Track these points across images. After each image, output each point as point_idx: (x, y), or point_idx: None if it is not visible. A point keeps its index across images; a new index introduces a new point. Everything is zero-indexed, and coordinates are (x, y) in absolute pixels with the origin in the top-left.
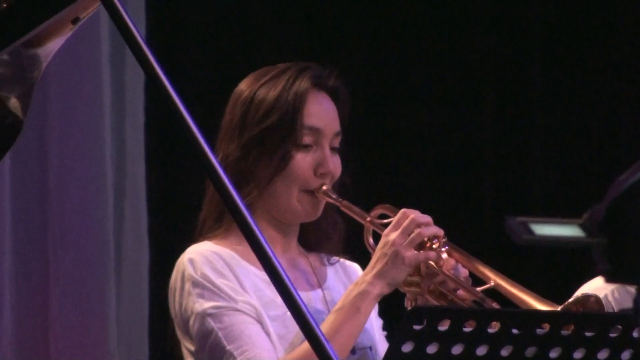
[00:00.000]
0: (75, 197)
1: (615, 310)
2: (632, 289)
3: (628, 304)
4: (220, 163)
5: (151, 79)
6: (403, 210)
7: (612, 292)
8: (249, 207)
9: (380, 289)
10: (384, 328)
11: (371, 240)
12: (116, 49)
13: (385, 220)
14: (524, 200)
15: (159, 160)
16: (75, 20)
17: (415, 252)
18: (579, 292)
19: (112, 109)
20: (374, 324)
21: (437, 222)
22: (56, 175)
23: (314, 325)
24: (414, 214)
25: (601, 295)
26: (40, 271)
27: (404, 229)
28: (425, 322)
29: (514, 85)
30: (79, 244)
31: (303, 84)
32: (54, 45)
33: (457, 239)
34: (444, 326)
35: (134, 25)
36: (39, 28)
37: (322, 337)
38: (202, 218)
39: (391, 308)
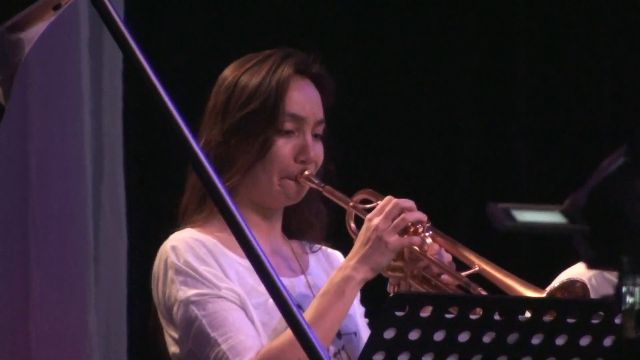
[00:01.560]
0: (55, 184)
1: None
2: (610, 276)
3: (606, 291)
4: (203, 148)
5: (132, 64)
6: (389, 197)
7: (590, 280)
8: (230, 192)
9: (364, 273)
10: (366, 315)
11: (353, 225)
12: (94, 36)
13: (368, 206)
14: (506, 186)
15: (137, 147)
16: (56, 7)
17: (399, 237)
18: (559, 279)
19: (90, 96)
20: (357, 310)
21: (419, 208)
22: (36, 163)
23: (295, 312)
24: (398, 200)
25: (574, 278)
26: (21, 259)
27: (388, 214)
28: (407, 308)
29: (497, 71)
30: (59, 231)
31: (286, 70)
32: (36, 30)
33: (439, 225)
34: (425, 312)
35: (115, 11)
36: (22, 13)
37: (303, 323)
38: (184, 203)
39: (373, 294)
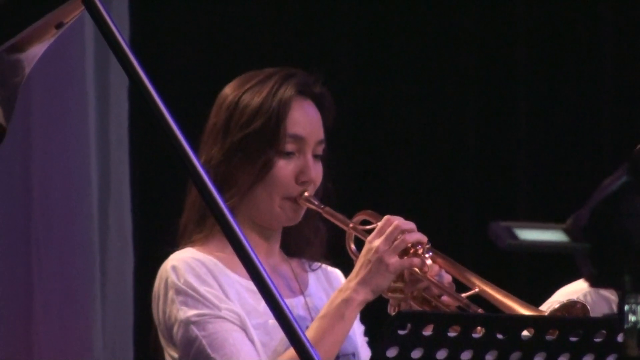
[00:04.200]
0: (59, 201)
1: None
2: (606, 293)
3: (601, 308)
4: (203, 167)
5: (134, 83)
6: (387, 216)
7: (585, 296)
8: (230, 211)
9: (364, 295)
10: (366, 334)
11: (353, 247)
12: (100, 53)
13: (368, 227)
14: (508, 205)
15: (143, 164)
16: (59, 26)
17: (399, 258)
18: (554, 298)
19: (96, 113)
20: (356, 329)
21: (420, 228)
22: (40, 179)
23: (299, 331)
24: (397, 221)
25: (574, 299)
26: (24, 275)
27: (388, 236)
28: (409, 327)
29: (498, 90)
30: (63, 248)
31: (288, 90)
32: (37, 50)
33: (441, 244)
34: (428, 331)
35: (118, 29)
36: (22, 33)
37: (307, 343)
38: (183, 222)
39: (373, 314)
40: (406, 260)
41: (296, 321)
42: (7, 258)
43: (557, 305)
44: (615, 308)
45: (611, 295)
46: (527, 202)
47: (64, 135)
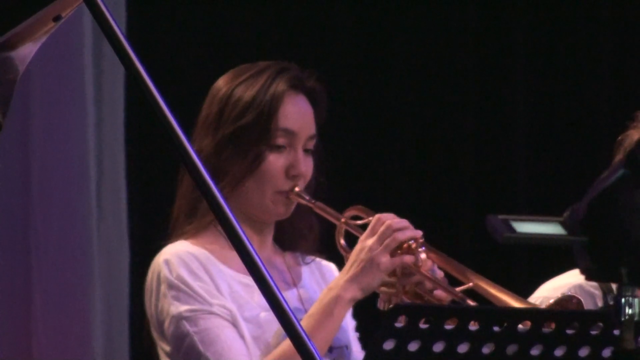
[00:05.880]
0: (57, 196)
1: None
2: (591, 289)
3: (586, 303)
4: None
5: (131, 75)
6: (377, 215)
7: (570, 291)
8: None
9: (353, 293)
10: (357, 329)
11: (342, 241)
12: (98, 46)
13: (359, 222)
14: (506, 198)
15: (139, 158)
16: (57, 18)
17: (391, 258)
18: (538, 293)
19: (94, 107)
20: (349, 324)
21: (416, 222)
22: (38, 174)
23: (294, 321)
24: (390, 220)
25: (559, 295)
26: (23, 271)
27: (380, 235)
28: (406, 319)
29: (496, 83)
30: (61, 243)
31: (281, 85)
32: (34, 45)
33: (438, 239)
34: (424, 324)
35: (115, 21)
36: (20, 26)
37: (302, 332)
38: (175, 213)
39: (365, 309)
40: (397, 258)
41: (291, 311)
42: (5, 257)
43: (552, 300)
44: (599, 304)
45: (595, 291)
46: (525, 195)
47: (62, 130)
